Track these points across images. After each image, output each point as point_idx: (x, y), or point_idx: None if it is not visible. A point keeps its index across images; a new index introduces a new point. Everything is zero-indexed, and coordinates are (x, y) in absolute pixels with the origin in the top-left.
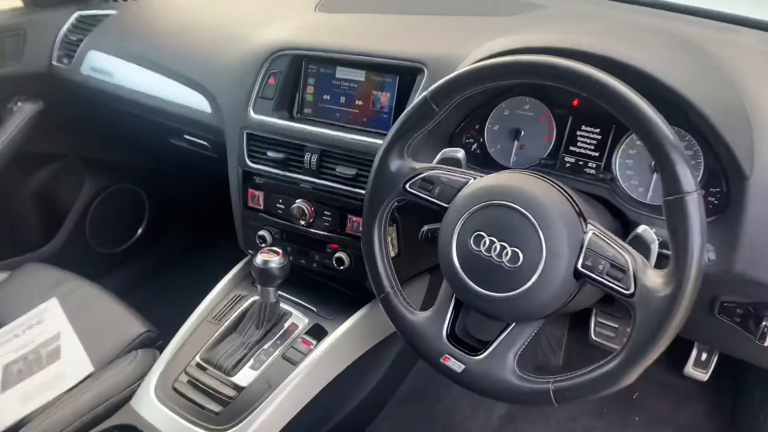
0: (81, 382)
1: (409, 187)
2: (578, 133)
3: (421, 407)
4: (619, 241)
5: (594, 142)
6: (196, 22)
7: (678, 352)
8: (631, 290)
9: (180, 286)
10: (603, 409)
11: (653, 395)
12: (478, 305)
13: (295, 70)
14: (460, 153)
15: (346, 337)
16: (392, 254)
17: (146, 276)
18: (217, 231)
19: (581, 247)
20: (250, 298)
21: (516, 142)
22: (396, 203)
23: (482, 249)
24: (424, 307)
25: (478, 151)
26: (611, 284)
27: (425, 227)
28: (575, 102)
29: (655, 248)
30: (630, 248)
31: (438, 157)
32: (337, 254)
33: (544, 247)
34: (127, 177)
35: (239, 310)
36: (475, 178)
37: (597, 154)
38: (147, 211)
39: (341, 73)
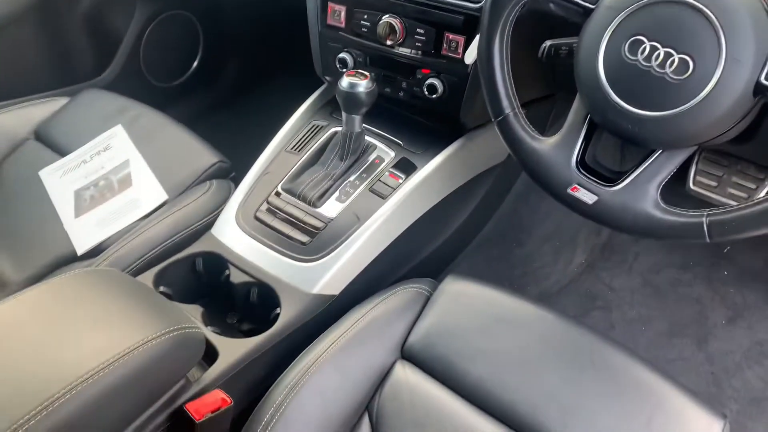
0: (156, 209)
1: None
2: None
3: (501, 251)
4: None
5: None
6: None
7: None
8: None
9: (247, 120)
10: (689, 262)
11: (746, 250)
12: (623, 127)
13: None
14: None
15: (436, 174)
16: None
17: (210, 109)
18: (283, 61)
19: None
20: (331, 129)
21: None
22: (523, 10)
23: (640, 57)
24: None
25: None
26: None
27: (548, 42)
28: None
29: None
30: None
31: None
32: (429, 80)
33: (724, 52)
34: (180, 2)
35: (320, 141)
36: None
37: None
38: (201, 41)
39: None
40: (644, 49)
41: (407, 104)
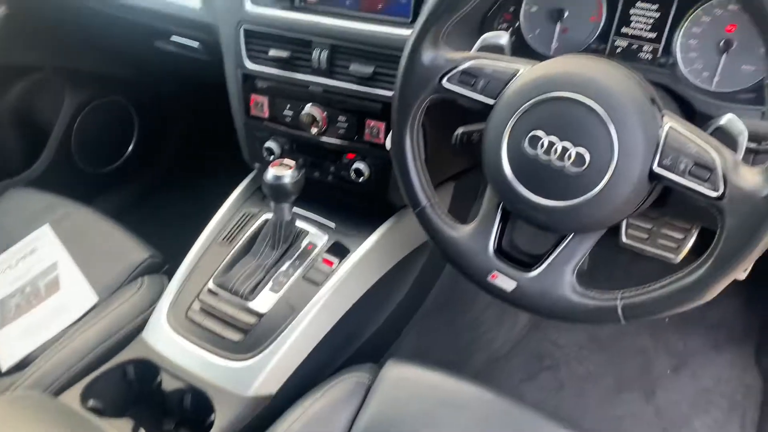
0: (86, 314)
1: (447, 81)
2: (632, 11)
3: (445, 319)
4: (702, 133)
5: (651, 20)
6: None
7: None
8: (720, 191)
9: (180, 206)
10: None
11: None
12: (533, 216)
13: None
14: (503, 38)
15: (370, 255)
16: None
17: (142, 196)
18: (216, 144)
19: (658, 144)
20: (262, 216)
21: (558, 25)
22: (429, 103)
23: (540, 152)
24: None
25: (513, 37)
26: (695, 186)
27: (460, 129)
28: None
29: (743, 141)
30: (715, 142)
31: (477, 44)
32: (355, 165)
33: (617, 145)
34: (112, 89)
35: (251, 230)
36: (525, 67)
37: (654, 35)
38: (136, 126)
39: None
40: (542, 143)
41: (337, 187)
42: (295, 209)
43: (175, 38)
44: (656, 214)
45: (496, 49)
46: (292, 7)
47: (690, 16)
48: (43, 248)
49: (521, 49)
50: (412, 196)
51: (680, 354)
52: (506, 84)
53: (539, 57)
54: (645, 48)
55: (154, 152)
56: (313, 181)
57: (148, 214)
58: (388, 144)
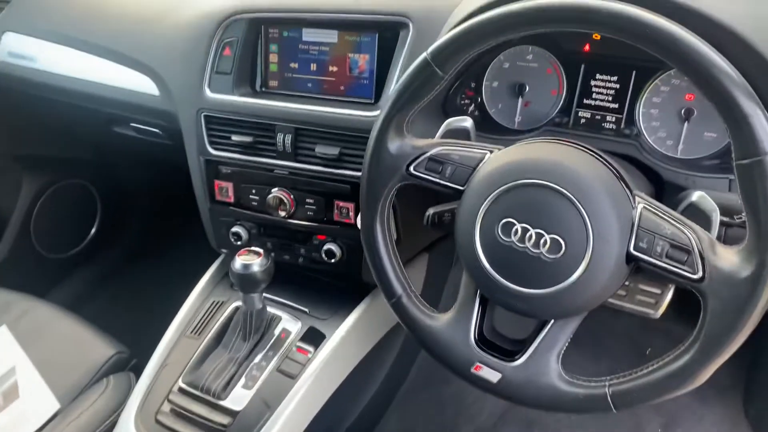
0: (47, 422)
1: (414, 169)
2: (593, 83)
3: (430, 394)
4: (675, 214)
5: (612, 92)
6: None
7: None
8: (700, 274)
9: (146, 291)
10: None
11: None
12: (511, 304)
13: (254, 36)
14: (468, 122)
15: (347, 339)
16: None
17: (106, 280)
18: (182, 226)
19: (632, 227)
20: (232, 304)
21: (520, 100)
22: (397, 190)
23: (514, 239)
24: (425, 290)
25: (476, 113)
26: (673, 268)
27: (431, 210)
28: (586, 47)
29: (716, 218)
30: (690, 222)
31: (441, 129)
32: (326, 246)
33: (591, 230)
34: (72, 172)
35: (221, 320)
36: (492, 152)
37: (616, 105)
38: (99, 208)
39: (309, 35)
40: (516, 231)
41: (308, 269)
42: (266, 294)
43: (134, 124)
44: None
45: (461, 133)
46: (253, 93)
47: (649, 86)
48: (1, 352)
49: (485, 123)
50: (387, 286)
51: (670, 412)
52: (474, 169)
53: (503, 130)
54: (608, 119)
55: (119, 235)
56: (284, 265)
57: (113, 299)
58: (359, 223)
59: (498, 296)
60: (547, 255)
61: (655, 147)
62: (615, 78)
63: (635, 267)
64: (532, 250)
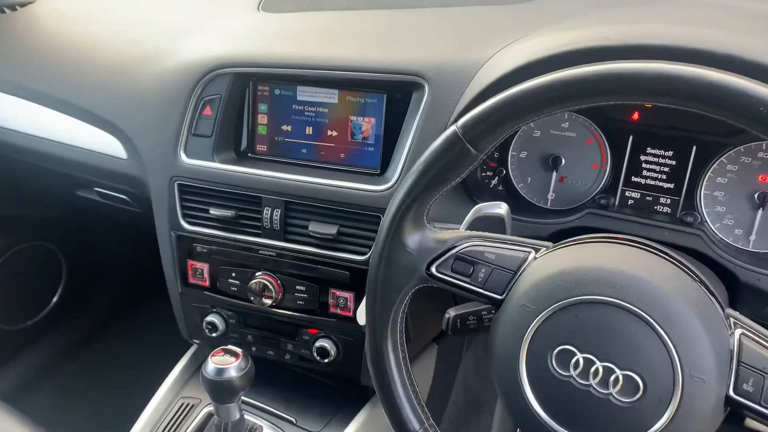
0: None
1: (437, 270)
2: (643, 158)
3: None
4: None
5: (667, 169)
6: (98, 36)
7: None
8: None
9: (106, 380)
10: None
11: None
12: None
13: (240, 93)
14: (502, 209)
15: None
16: None
17: (65, 356)
18: (156, 301)
19: (731, 360)
20: (204, 409)
21: (554, 174)
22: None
23: (573, 373)
24: (434, 385)
25: (500, 187)
26: None
27: (451, 312)
28: (635, 116)
29: None
30: None
31: (469, 218)
32: (319, 342)
33: (680, 367)
34: (36, 233)
35: (191, 429)
36: (536, 251)
37: (672, 185)
38: (64, 274)
39: (304, 94)
40: (577, 362)
41: (297, 368)
42: (245, 398)
43: (99, 189)
44: None
45: (494, 222)
46: (236, 159)
47: (713, 164)
48: None
49: (510, 200)
50: (399, 419)
51: None
52: (515, 274)
53: (533, 210)
54: (662, 201)
55: (83, 306)
56: (267, 362)
57: (62, 388)
58: (359, 318)
59: None
60: (618, 397)
61: (721, 237)
62: (671, 153)
63: (732, 414)
64: (599, 389)
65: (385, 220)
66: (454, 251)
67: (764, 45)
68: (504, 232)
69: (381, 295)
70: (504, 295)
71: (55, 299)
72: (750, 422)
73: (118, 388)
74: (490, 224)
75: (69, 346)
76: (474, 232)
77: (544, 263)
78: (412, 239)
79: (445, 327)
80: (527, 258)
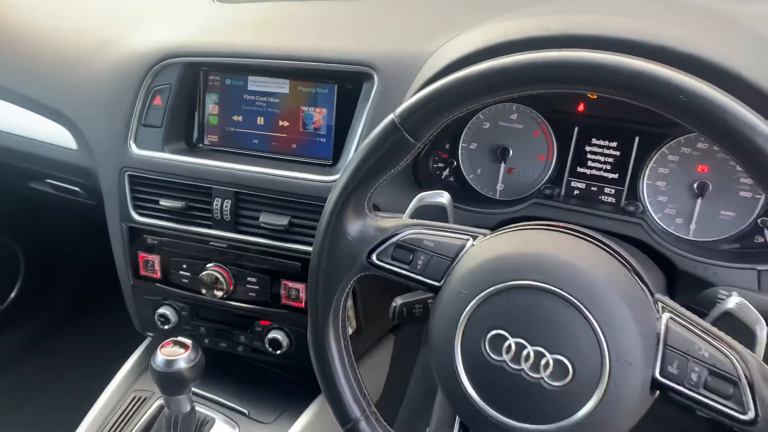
0: None
1: (377, 258)
2: (588, 149)
3: None
4: (710, 328)
5: (611, 159)
6: (46, 24)
7: None
8: (751, 414)
9: (68, 366)
10: None
11: None
12: None
13: (190, 83)
14: (444, 198)
15: None
16: (349, 332)
17: (23, 353)
18: (117, 291)
19: (658, 344)
20: (156, 402)
21: (503, 165)
22: (354, 284)
23: (506, 357)
24: (391, 377)
25: (451, 178)
26: (715, 404)
27: (398, 301)
28: (581, 107)
29: (763, 334)
30: (731, 340)
31: (411, 207)
32: (271, 334)
33: (607, 351)
34: None
35: (142, 422)
36: (474, 238)
37: (616, 176)
38: (22, 269)
39: (255, 83)
40: (509, 347)
41: (249, 360)
42: (196, 390)
43: (50, 181)
44: None
45: (436, 211)
46: (187, 150)
47: (655, 155)
48: None
49: (461, 191)
50: (340, 407)
51: None
52: (453, 261)
53: (482, 200)
54: (607, 191)
55: (41, 301)
56: (219, 354)
57: (17, 384)
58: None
59: (483, 430)
60: (549, 381)
61: (662, 226)
62: (615, 144)
63: (661, 396)
64: (530, 373)
65: (326, 209)
66: (394, 239)
67: (699, 38)
68: (446, 221)
69: (323, 283)
70: (442, 282)
71: (12, 295)
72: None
73: (75, 385)
74: (432, 213)
75: (27, 342)
76: (415, 221)
77: (480, 250)
78: (353, 227)
79: (392, 315)
80: (465, 245)
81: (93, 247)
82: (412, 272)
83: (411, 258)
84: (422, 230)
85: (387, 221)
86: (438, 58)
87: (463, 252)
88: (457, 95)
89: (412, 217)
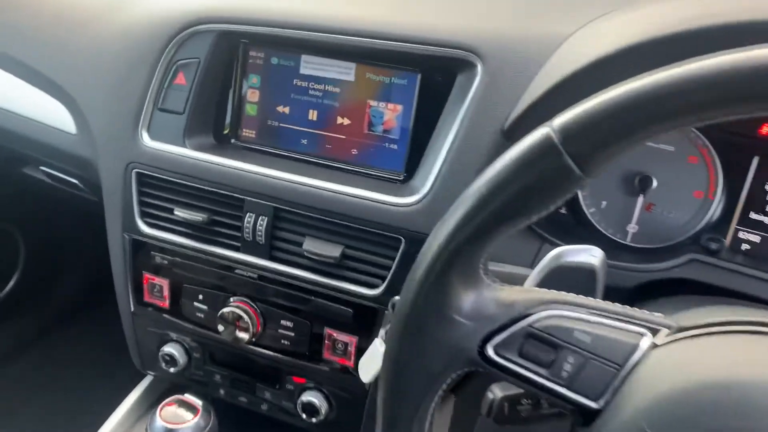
0: None
1: (496, 351)
2: None
3: None
4: None
5: None
6: None
7: None
8: None
9: (66, 368)
10: None
11: None
12: None
13: (225, 59)
14: (596, 256)
15: None
16: None
17: (17, 351)
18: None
19: None
20: None
21: (641, 199)
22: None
23: None
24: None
25: (563, 210)
26: None
27: (497, 392)
28: (763, 129)
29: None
30: None
31: (545, 264)
32: (306, 396)
33: None
34: None
35: None
36: (655, 332)
37: None
38: (22, 258)
39: (310, 66)
40: None
41: (275, 424)
42: None
43: (45, 169)
44: None
45: (580, 276)
46: (215, 146)
47: None
48: None
49: (577, 228)
50: None
51: None
52: (621, 369)
53: (606, 243)
54: None
55: (43, 291)
56: (240, 410)
57: (21, 380)
58: (362, 371)
59: None
60: None
61: None
62: None
63: None
64: None
65: (420, 266)
66: (525, 323)
67: None
68: (593, 293)
69: (405, 380)
70: (602, 404)
71: (11, 284)
72: None
73: (73, 390)
74: (574, 279)
75: (23, 339)
76: (556, 294)
77: (673, 360)
78: (464, 300)
79: (487, 411)
80: (640, 345)
81: (102, 244)
82: (552, 381)
83: (553, 358)
84: (570, 312)
85: (513, 292)
86: (579, 47)
87: (639, 357)
88: (671, 108)
89: (542, 284)
